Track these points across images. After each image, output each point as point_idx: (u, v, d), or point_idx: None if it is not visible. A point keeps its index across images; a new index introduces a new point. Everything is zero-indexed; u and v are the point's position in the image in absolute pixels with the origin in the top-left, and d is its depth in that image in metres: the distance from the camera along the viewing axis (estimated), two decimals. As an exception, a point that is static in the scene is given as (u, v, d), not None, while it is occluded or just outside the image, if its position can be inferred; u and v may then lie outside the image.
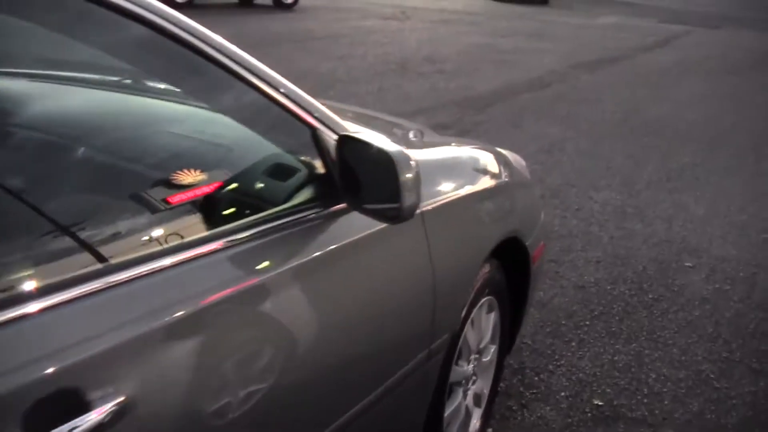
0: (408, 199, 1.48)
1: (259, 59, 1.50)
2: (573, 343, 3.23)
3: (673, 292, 3.79)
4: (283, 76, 1.55)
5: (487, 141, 6.76)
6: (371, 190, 1.53)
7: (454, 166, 2.27)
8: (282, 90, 1.52)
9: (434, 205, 1.93)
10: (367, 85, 8.43)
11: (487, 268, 2.26)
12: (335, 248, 1.58)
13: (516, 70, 10.19)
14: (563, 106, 8.05)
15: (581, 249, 4.25)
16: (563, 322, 3.40)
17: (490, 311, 2.41)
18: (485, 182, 2.34)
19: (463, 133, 6.70)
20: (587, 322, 3.42)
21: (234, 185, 1.54)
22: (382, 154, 1.48)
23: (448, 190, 2.07)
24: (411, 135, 2.49)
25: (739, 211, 5.11)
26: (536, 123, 7.25)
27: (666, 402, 2.88)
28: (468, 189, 2.19)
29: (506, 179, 2.49)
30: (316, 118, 1.58)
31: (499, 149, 2.67)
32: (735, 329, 3.46)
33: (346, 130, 1.62)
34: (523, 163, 2.82)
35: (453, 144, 2.66)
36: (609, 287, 3.79)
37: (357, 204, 1.56)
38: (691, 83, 10.11)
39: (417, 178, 1.50)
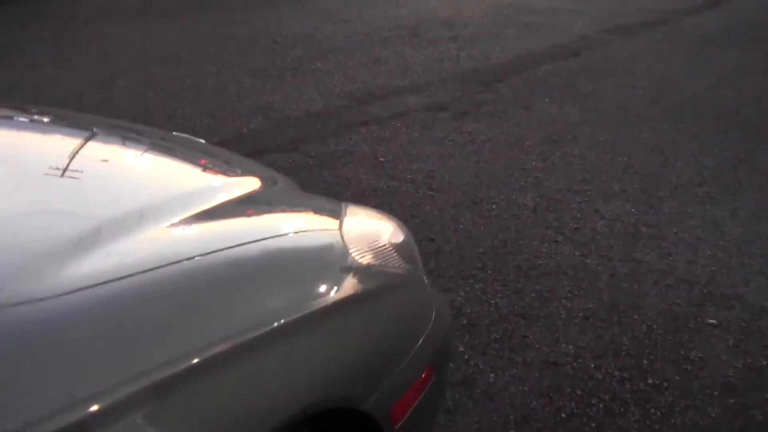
0: None
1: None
2: (519, 475, 2.20)
3: (685, 372, 2.71)
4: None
5: (486, 125, 5.75)
6: None
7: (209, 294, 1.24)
8: None
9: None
10: (364, 55, 7.33)
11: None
12: None
13: (541, 36, 8.93)
14: (586, 82, 6.82)
15: (568, 295, 3.17)
16: None
17: None
18: (265, 320, 1.27)
19: (460, 115, 5.60)
20: (548, 432, 2.38)
21: None
22: None
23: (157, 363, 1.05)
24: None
25: (790, 230, 3.96)
26: (551, 103, 6.08)
27: None
28: (221, 344, 1.15)
29: (330, 302, 1.42)
30: None
31: (354, 224, 1.62)
32: (768, 445, 2.39)
33: None
34: (402, 237, 1.72)
35: (284, 221, 1.63)
36: (593, 364, 2.72)
37: None
38: (740, 53, 8.68)
39: None
